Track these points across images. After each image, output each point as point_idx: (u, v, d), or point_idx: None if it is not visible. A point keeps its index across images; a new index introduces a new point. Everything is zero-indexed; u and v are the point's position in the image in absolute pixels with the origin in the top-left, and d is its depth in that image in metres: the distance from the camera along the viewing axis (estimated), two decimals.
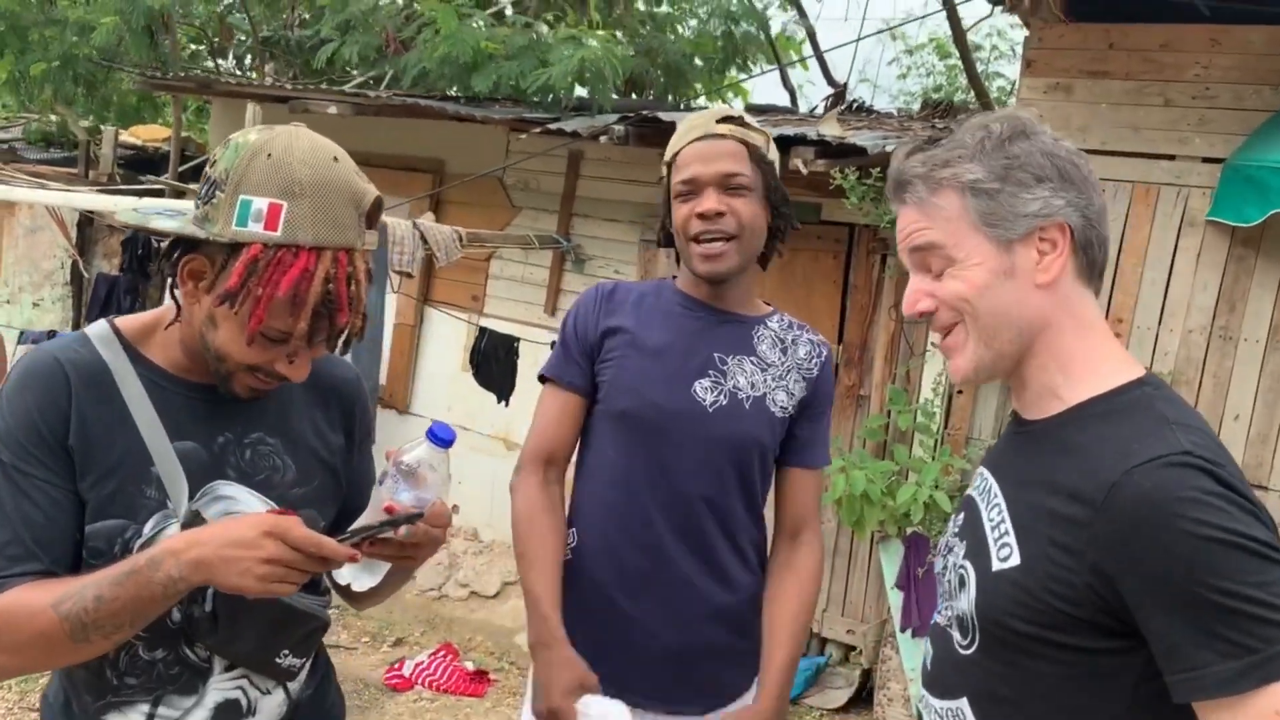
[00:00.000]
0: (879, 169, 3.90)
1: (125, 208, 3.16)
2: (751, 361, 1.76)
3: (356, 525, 1.17)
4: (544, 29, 5.04)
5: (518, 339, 5.04)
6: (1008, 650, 1.10)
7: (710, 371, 1.74)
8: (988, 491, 1.20)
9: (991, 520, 1.16)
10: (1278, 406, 3.66)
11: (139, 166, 7.71)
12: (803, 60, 8.41)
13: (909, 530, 3.94)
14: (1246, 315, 3.69)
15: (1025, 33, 4.13)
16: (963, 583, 1.16)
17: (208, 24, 7.51)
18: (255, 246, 1.13)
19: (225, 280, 1.15)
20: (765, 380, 1.76)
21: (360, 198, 1.18)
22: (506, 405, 5.11)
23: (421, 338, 5.67)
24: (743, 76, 7.33)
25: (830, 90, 7.54)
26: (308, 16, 7.36)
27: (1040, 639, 1.07)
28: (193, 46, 8.12)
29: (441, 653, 4.42)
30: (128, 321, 1.27)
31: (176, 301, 1.24)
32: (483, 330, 5.02)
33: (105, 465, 1.18)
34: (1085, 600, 1.04)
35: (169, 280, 1.22)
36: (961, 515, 1.26)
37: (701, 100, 7.79)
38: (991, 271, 1.13)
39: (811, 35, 8.03)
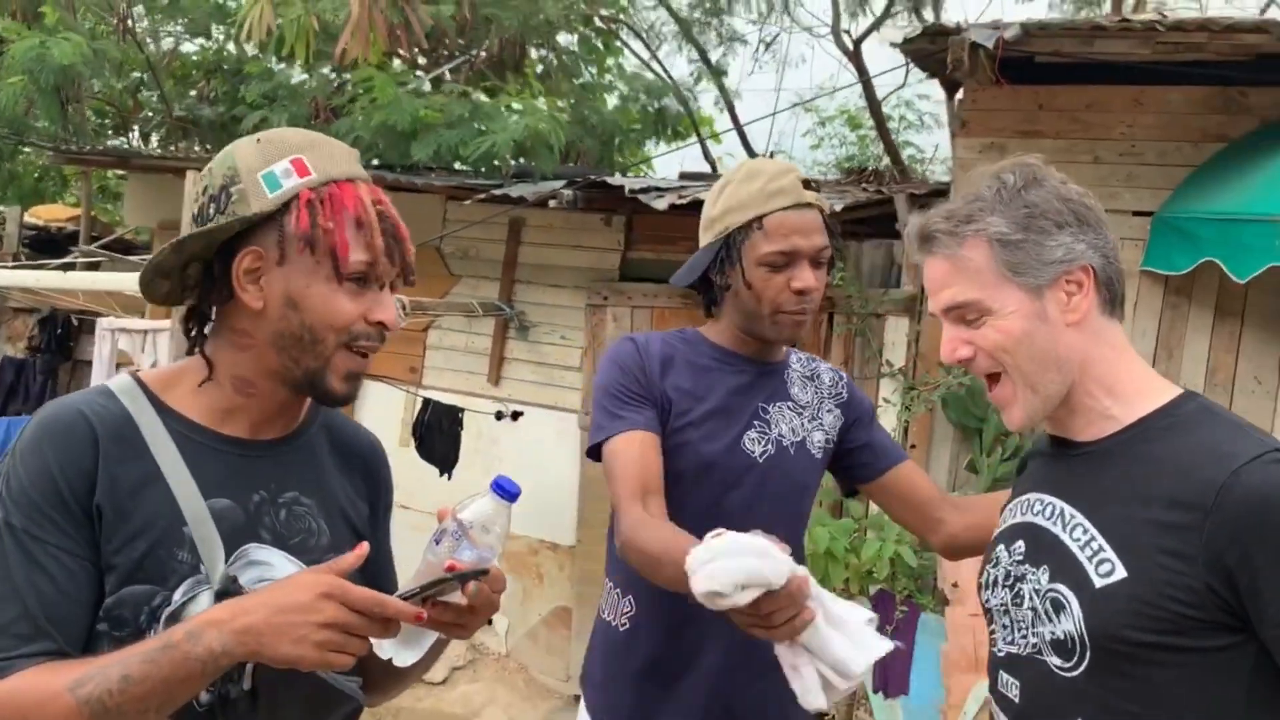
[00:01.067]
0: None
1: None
2: (789, 407, 1.76)
3: (415, 584, 1.06)
4: (481, 97, 5.03)
5: (461, 410, 4.91)
6: (1125, 663, 1.12)
7: (755, 423, 1.73)
8: (1058, 514, 1.22)
9: (1078, 540, 1.18)
10: None
11: (41, 247, 7.38)
12: (715, 135, 8.61)
13: (875, 588, 3.90)
14: (1185, 361, 3.82)
15: (934, 103, 4.29)
16: (1058, 606, 1.17)
17: (117, 97, 7.30)
18: (304, 192, 1.10)
19: (294, 238, 1.10)
20: (803, 423, 1.77)
21: (351, 149, 1.20)
22: (449, 478, 4.95)
23: (357, 413, 5.49)
24: (671, 148, 7.46)
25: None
26: (220, 94, 7.22)
27: (1160, 645, 1.10)
28: (97, 120, 7.87)
29: None
30: (151, 374, 1.18)
31: (206, 358, 1.15)
32: (426, 402, 4.88)
33: (135, 526, 1.07)
34: (1206, 601, 1.08)
35: (196, 331, 1.16)
36: (1020, 543, 1.26)
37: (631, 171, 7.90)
38: (1026, 318, 1.19)
39: (731, 109, 8.25)
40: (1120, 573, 1.12)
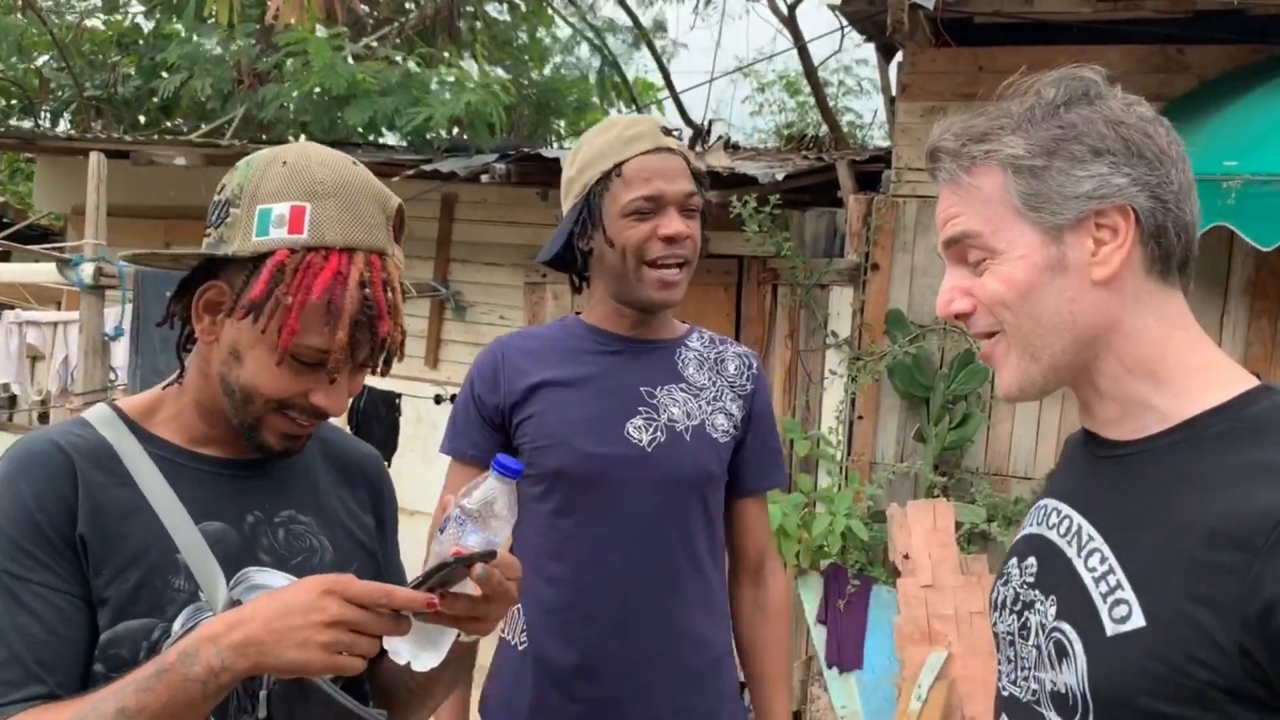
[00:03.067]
0: (776, 197, 3.89)
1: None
2: (681, 389, 1.61)
3: (421, 574, 0.97)
4: (413, 67, 4.82)
5: (399, 395, 4.76)
6: None
7: (640, 408, 1.58)
8: (1075, 533, 0.98)
9: (1094, 570, 0.93)
10: None
11: None
12: (659, 103, 8.47)
13: (825, 563, 3.86)
14: None
15: (872, 68, 4.21)
16: (1061, 651, 0.94)
17: (22, 77, 6.92)
18: (280, 252, 1.02)
19: (248, 294, 1.02)
20: (700, 406, 1.61)
21: (385, 199, 1.08)
22: (389, 466, 4.80)
23: None
24: (610, 117, 7.30)
25: (689, 130, 7.64)
26: (131, 73, 6.88)
27: (1174, 717, 0.86)
28: (2, 102, 7.46)
29: None
30: (127, 401, 1.14)
31: (182, 362, 1.13)
32: (362, 388, 4.71)
33: (124, 557, 1.02)
34: (1233, 668, 0.83)
35: (179, 334, 1.13)
36: (1032, 560, 1.03)
37: (569, 141, 7.72)
38: (1035, 266, 0.95)
39: (667, 77, 8.11)
40: (1138, 620, 0.88)
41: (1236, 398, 0.92)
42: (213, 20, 5.07)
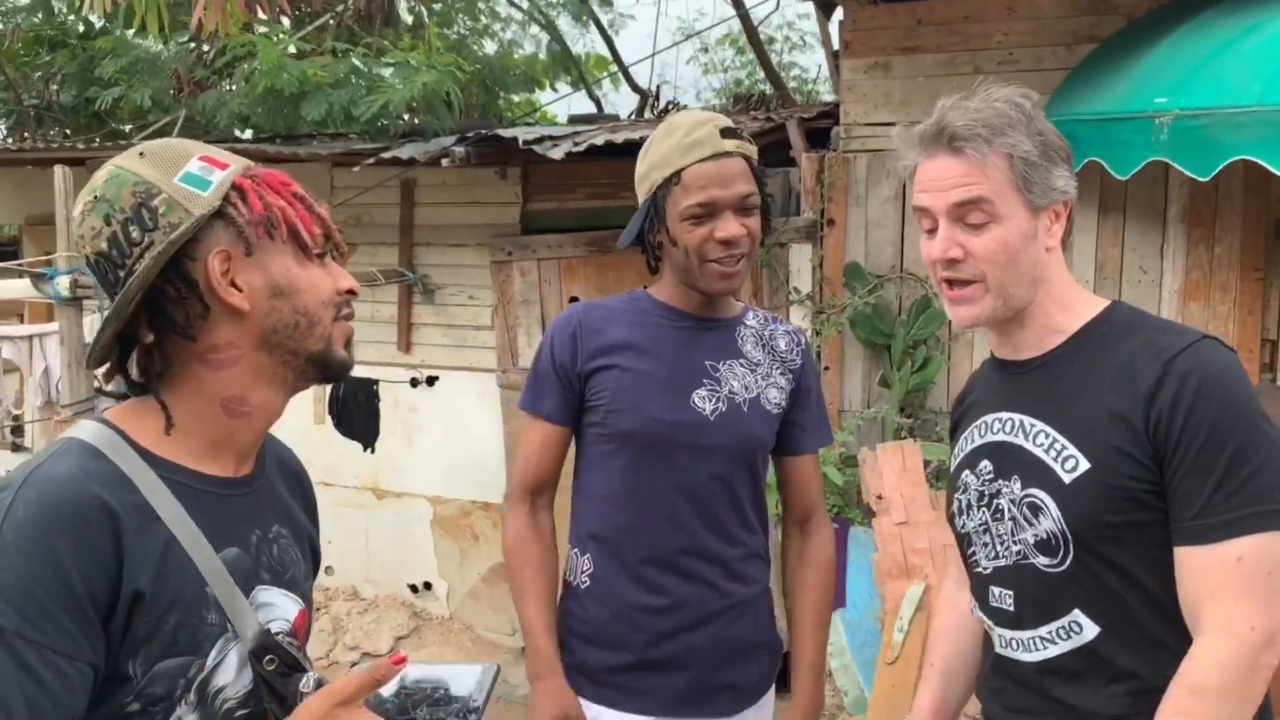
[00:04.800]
0: None
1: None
2: (741, 364, 1.78)
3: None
4: (356, 62, 4.83)
5: (376, 381, 4.82)
6: (1103, 545, 1.25)
7: (705, 380, 1.74)
8: (1019, 427, 1.34)
9: (1041, 445, 1.30)
10: None
11: None
12: (613, 76, 8.50)
13: None
14: (1074, 259, 3.97)
15: (813, 24, 4.31)
16: (1035, 509, 1.29)
17: None
18: (239, 180, 1.05)
19: (252, 225, 1.04)
20: (756, 380, 1.78)
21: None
22: (372, 452, 4.88)
23: None
24: (560, 94, 7.32)
25: (636, 97, 7.69)
26: (68, 75, 6.77)
27: (1128, 524, 1.23)
28: None
29: None
30: (120, 418, 1.07)
31: (162, 401, 1.06)
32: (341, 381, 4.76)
33: (165, 599, 0.99)
34: (1151, 474, 1.22)
35: (152, 371, 1.06)
36: (985, 463, 1.37)
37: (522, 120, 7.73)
38: (1021, 233, 1.29)
39: (610, 44, 8.14)
40: (1084, 465, 1.25)
41: (1105, 310, 1.34)
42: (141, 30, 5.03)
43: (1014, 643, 1.34)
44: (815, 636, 1.83)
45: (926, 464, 3.88)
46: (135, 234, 1.01)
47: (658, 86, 7.28)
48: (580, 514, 1.81)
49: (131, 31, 5.11)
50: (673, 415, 1.71)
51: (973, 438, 1.40)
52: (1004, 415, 1.36)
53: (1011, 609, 1.33)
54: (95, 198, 1.03)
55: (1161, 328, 1.31)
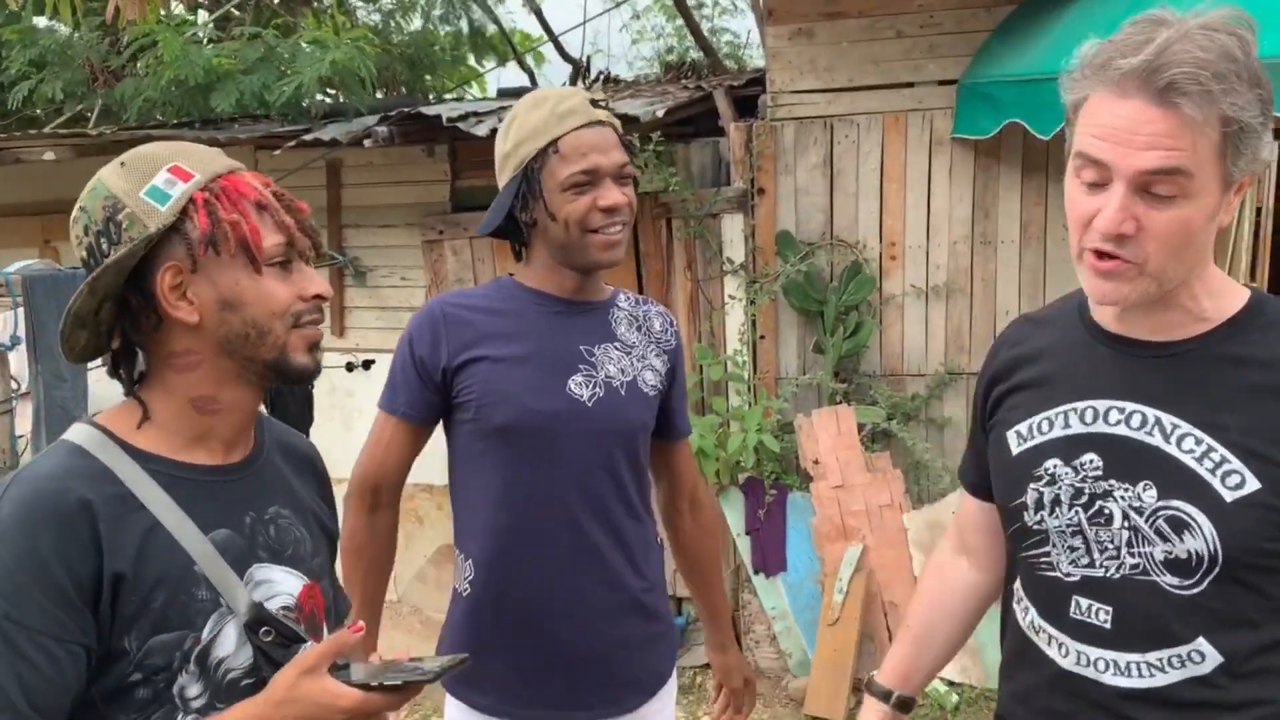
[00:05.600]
0: (658, 134, 3.97)
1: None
2: (616, 347, 1.73)
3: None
4: (270, 39, 4.70)
5: None
6: (1252, 574, 1.10)
7: (581, 365, 1.69)
8: (1154, 424, 1.14)
9: (1190, 452, 1.11)
10: (1039, 298, 4.03)
11: None
12: (536, 52, 8.38)
13: (744, 477, 4.05)
14: (1000, 220, 4.04)
15: None
16: (1180, 525, 1.11)
17: None
18: (196, 194, 1.09)
19: (199, 241, 1.08)
20: (632, 363, 1.73)
21: (215, 149, 1.18)
22: (308, 437, 4.81)
23: None
24: (487, 67, 7.21)
25: (569, 67, 7.61)
26: None
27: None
28: None
29: None
30: (108, 419, 1.15)
31: (140, 399, 1.14)
32: None
33: (150, 581, 1.07)
34: None
35: (127, 372, 1.15)
36: (1092, 456, 1.18)
37: (476, 91, 7.59)
38: (1209, 213, 1.06)
39: (540, 16, 8.02)
40: (1253, 484, 1.08)
41: (1254, 300, 1.15)
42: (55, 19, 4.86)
43: (1100, 663, 1.18)
44: (722, 598, 1.95)
45: (861, 427, 3.94)
46: (104, 246, 1.09)
47: (588, 57, 7.19)
48: (460, 518, 1.75)
49: (43, 20, 4.93)
50: (549, 404, 1.65)
51: (1063, 421, 1.20)
52: (1128, 406, 1.15)
53: (1107, 627, 1.16)
54: (80, 208, 1.12)
55: None
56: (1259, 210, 3.06)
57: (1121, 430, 1.15)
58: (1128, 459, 1.14)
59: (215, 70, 4.45)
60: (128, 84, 4.77)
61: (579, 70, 7.18)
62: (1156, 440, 1.13)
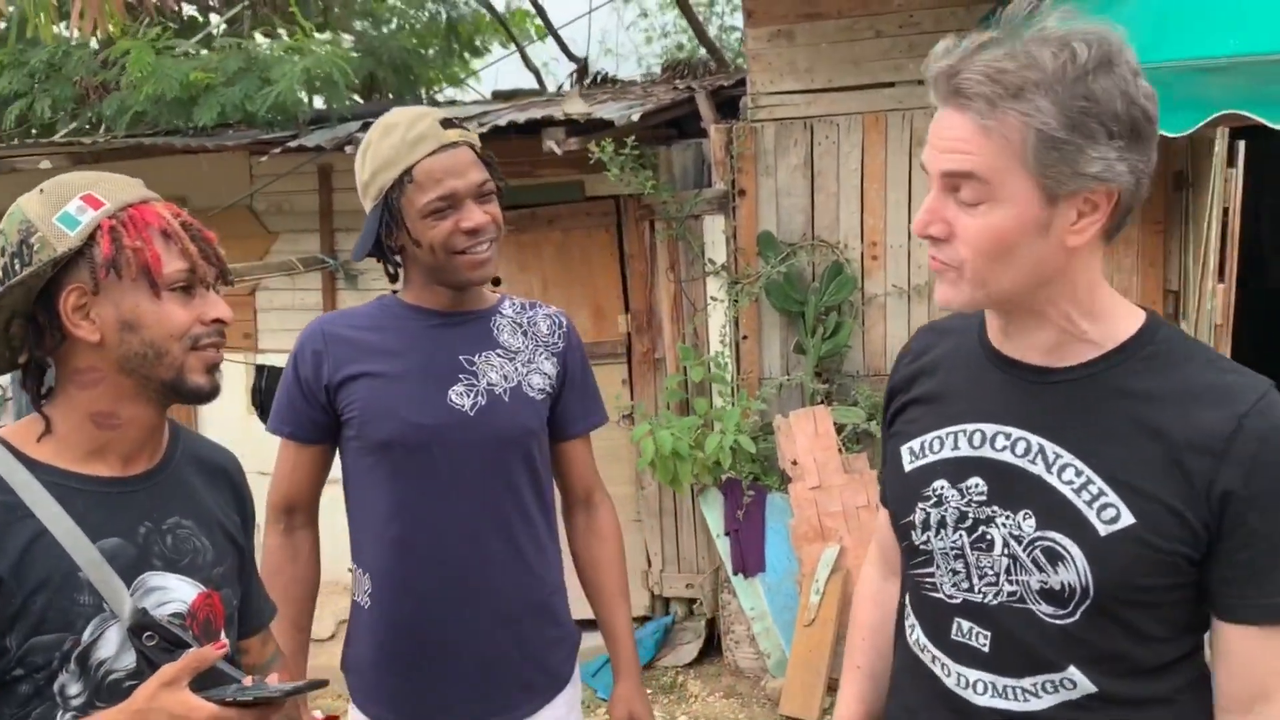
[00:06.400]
0: (632, 138, 3.99)
1: None
2: (498, 354, 1.73)
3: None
4: (260, 42, 4.75)
5: None
6: (1123, 607, 1.09)
7: (461, 375, 1.69)
8: (1037, 453, 1.12)
9: (1070, 483, 1.09)
10: None
11: None
12: (540, 36, 8.38)
13: (723, 477, 4.07)
14: None
15: None
16: (1054, 556, 1.09)
17: None
18: (104, 221, 1.16)
19: (101, 265, 1.15)
20: (516, 368, 1.73)
21: (134, 179, 1.25)
22: None
23: None
24: (484, 64, 7.22)
25: (573, 66, 7.62)
26: None
27: (1160, 587, 1.08)
28: None
29: None
30: (9, 432, 1.22)
31: (43, 414, 1.21)
32: (260, 368, 4.76)
33: (31, 585, 1.13)
34: (1199, 541, 1.06)
35: (36, 385, 1.21)
36: (977, 480, 1.16)
37: (450, 92, 7.62)
38: (1023, 223, 1.03)
39: (541, 11, 8.01)
40: (1127, 518, 1.06)
41: (1145, 327, 1.11)
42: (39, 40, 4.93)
43: (980, 685, 1.17)
44: (622, 607, 1.86)
45: (841, 428, 3.94)
46: (17, 267, 1.16)
47: (584, 59, 7.19)
48: (354, 534, 1.76)
49: (28, 38, 5.02)
50: (430, 417, 1.65)
51: (953, 442, 1.19)
52: (1014, 432, 1.13)
53: (986, 650, 1.16)
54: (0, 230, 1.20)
55: (1217, 362, 1.10)
56: (1226, 211, 3.03)
57: (1007, 457, 1.14)
58: (1011, 486, 1.13)
59: (192, 85, 4.52)
60: (113, 99, 4.85)
61: (582, 69, 7.19)
62: (1039, 469, 1.11)
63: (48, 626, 1.12)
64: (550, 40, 8.34)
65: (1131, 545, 1.06)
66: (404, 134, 1.61)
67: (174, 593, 1.22)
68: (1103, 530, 1.07)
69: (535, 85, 7.51)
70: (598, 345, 4.45)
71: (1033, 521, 1.11)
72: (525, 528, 1.74)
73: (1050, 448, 1.10)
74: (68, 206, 1.16)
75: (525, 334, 1.77)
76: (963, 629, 1.18)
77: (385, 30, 5.92)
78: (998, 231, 1.03)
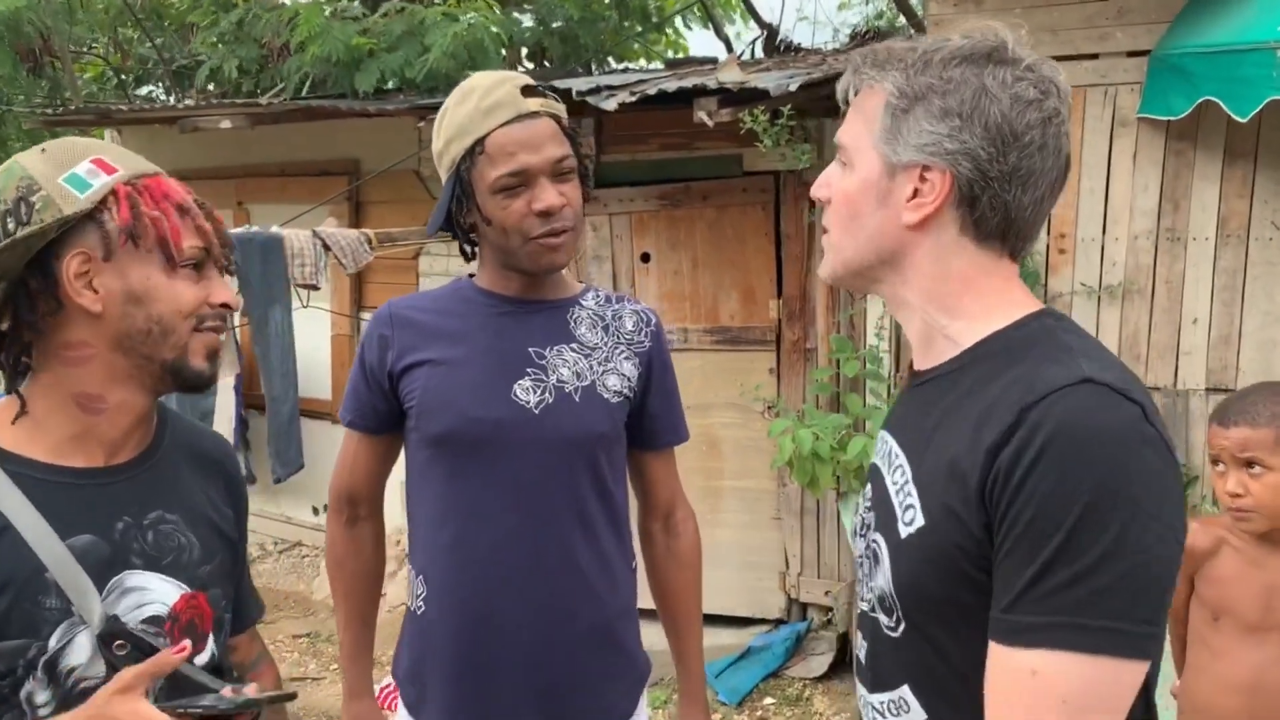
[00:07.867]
0: (790, 109, 3.69)
1: None
2: (572, 349, 1.57)
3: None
4: (422, 10, 4.78)
5: None
6: (931, 622, 1.01)
7: (529, 370, 1.55)
8: (889, 454, 1.10)
9: (895, 484, 1.06)
10: (1235, 305, 3.47)
11: None
12: (732, 4, 8.10)
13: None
14: (1192, 213, 3.49)
15: None
16: (876, 558, 1.06)
17: (105, 49, 7.20)
18: (119, 186, 1.09)
19: (118, 232, 1.07)
20: (592, 366, 1.57)
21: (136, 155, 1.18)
22: None
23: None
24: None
25: (760, 31, 7.31)
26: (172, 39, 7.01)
27: (951, 601, 0.98)
28: (101, 75, 7.79)
29: None
30: None
31: (20, 394, 1.12)
32: None
33: None
34: (981, 549, 0.94)
35: (16, 359, 1.11)
36: (869, 487, 1.14)
37: (642, 61, 7.50)
38: (866, 189, 1.06)
39: None
40: (919, 520, 1.00)
41: (1012, 323, 1.02)
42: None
43: (864, 699, 1.14)
44: (697, 631, 1.72)
45: None
46: (11, 225, 1.06)
47: (772, 25, 6.85)
48: (412, 533, 1.65)
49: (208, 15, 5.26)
50: (490, 411, 1.52)
51: (876, 448, 1.18)
52: (886, 436, 1.14)
53: (864, 662, 1.14)
54: None
55: (1055, 357, 0.96)
56: None
57: (878, 460, 1.14)
58: (875, 489, 1.13)
59: (355, 50, 4.56)
60: (292, 61, 5.00)
61: (772, 35, 6.89)
62: (885, 470, 1.10)
63: (11, 631, 1.04)
64: (737, 8, 8.06)
65: (918, 550, 1.00)
66: (479, 101, 1.49)
67: (154, 594, 1.13)
68: (903, 532, 1.02)
69: (727, 50, 7.27)
70: (745, 331, 4.21)
71: (875, 522, 1.09)
72: (588, 543, 1.58)
73: (896, 450, 1.09)
74: (76, 168, 1.08)
75: (607, 329, 1.62)
76: (858, 640, 1.17)
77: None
78: (846, 194, 1.08)
